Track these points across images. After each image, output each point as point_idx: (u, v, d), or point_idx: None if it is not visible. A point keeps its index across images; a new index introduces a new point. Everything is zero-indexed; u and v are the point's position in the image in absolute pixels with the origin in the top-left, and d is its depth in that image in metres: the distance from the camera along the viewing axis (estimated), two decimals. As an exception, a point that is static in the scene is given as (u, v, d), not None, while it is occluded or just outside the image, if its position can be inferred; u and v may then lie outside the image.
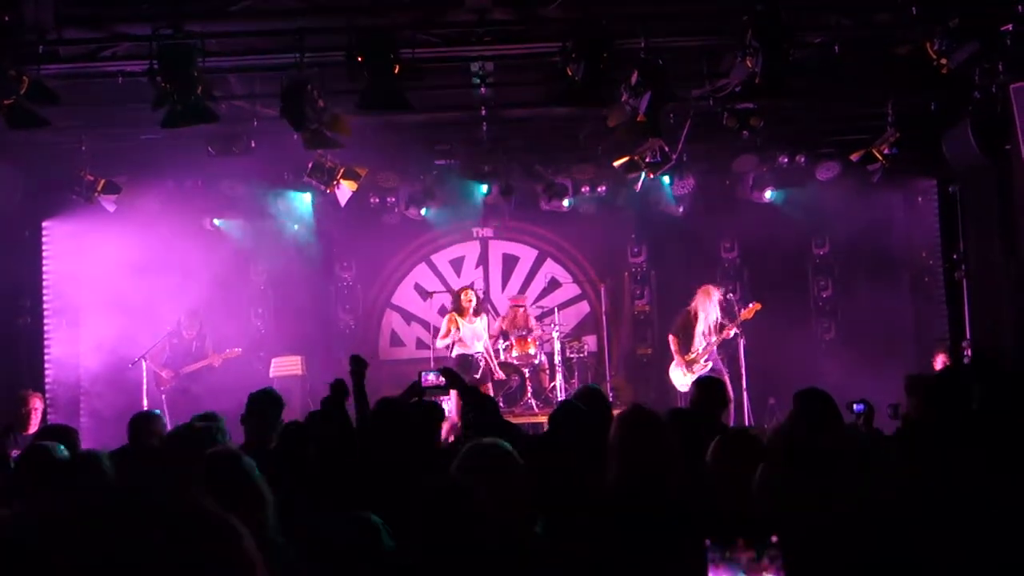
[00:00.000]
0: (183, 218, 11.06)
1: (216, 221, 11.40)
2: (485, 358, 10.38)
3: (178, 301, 11.28)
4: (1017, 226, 8.33)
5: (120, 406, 9.92)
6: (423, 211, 11.43)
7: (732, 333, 9.97)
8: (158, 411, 6.95)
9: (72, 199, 9.53)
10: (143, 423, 5.40)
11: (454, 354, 10.30)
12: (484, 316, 10.72)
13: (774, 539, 1.69)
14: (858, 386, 8.38)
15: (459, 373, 5.66)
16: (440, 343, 10.53)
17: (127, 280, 10.48)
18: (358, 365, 5.02)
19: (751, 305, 10.04)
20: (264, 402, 5.25)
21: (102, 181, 9.53)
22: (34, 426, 6.67)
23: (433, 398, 5.09)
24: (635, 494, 3.17)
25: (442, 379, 5.00)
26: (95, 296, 10.57)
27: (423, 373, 5.05)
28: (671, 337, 10.42)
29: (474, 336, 10.32)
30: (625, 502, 3.18)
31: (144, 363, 9.90)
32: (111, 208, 9.73)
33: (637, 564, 2.92)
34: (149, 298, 10.76)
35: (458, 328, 10.25)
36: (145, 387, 9.79)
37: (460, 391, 4.90)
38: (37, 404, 6.82)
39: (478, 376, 10.00)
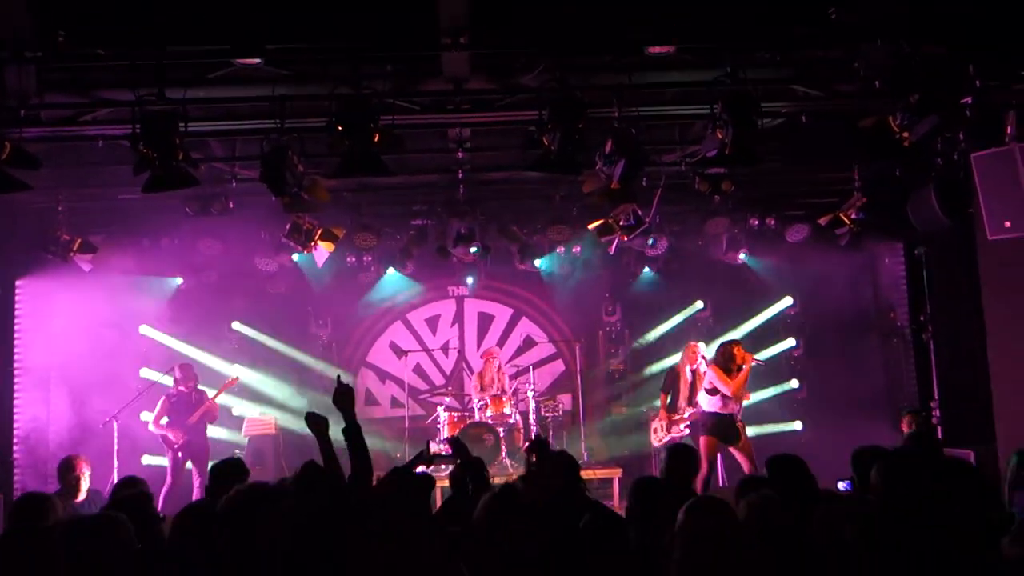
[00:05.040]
0: (159, 277, 11.09)
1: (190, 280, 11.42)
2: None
3: (152, 360, 11.25)
4: (980, 288, 8.53)
5: (92, 467, 9.79)
6: (399, 270, 11.50)
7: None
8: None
9: (47, 258, 9.50)
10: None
11: (709, 410, 9.20)
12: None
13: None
14: (831, 446, 8.48)
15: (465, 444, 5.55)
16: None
17: (100, 339, 10.43)
18: (316, 423, 4.87)
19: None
20: (229, 472, 5.19)
21: (78, 240, 9.53)
22: (83, 493, 6.43)
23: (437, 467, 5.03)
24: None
25: (447, 448, 4.99)
26: (67, 355, 10.48)
27: (430, 442, 5.07)
28: (661, 394, 10.53)
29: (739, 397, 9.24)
30: None
31: (116, 423, 9.77)
32: (87, 268, 9.71)
33: None
34: (122, 357, 10.71)
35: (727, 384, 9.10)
36: (116, 448, 9.65)
37: (463, 461, 4.87)
38: (85, 469, 6.55)
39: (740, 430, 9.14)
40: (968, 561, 3.14)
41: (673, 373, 10.39)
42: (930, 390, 10.55)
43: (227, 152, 8.53)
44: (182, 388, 10.11)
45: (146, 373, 11.15)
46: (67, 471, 6.47)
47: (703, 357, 9.89)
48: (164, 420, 9.92)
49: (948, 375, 10.26)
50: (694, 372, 9.95)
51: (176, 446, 9.86)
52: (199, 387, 10.28)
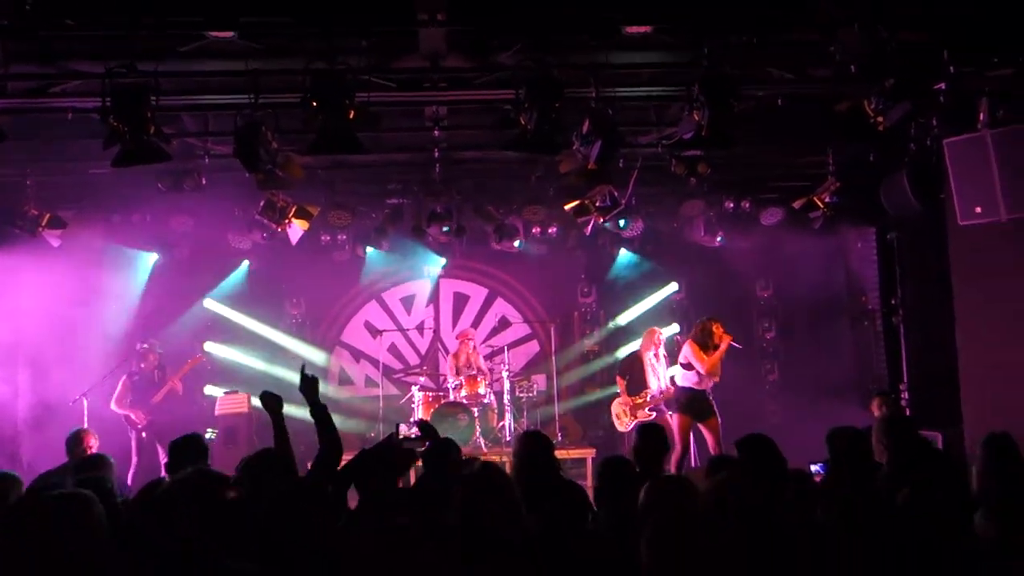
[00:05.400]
0: (129, 252, 10.95)
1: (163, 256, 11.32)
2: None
3: (123, 337, 11.12)
4: (950, 272, 8.63)
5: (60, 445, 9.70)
6: (374, 249, 11.44)
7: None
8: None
9: (15, 233, 9.35)
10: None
11: (683, 385, 9.32)
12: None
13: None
14: (801, 428, 8.57)
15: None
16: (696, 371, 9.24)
17: (70, 316, 10.30)
18: (270, 402, 4.88)
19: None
20: (188, 449, 5.19)
21: (47, 215, 9.39)
22: None
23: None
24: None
25: (416, 431, 4.99)
26: (36, 332, 10.34)
27: (399, 424, 5.05)
28: (618, 378, 10.54)
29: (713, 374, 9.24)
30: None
31: (85, 401, 9.67)
32: (56, 243, 9.57)
33: None
34: (93, 334, 10.59)
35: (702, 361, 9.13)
36: (86, 425, 9.54)
37: (433, 443, 4.87)
38: (93, 443, 6.58)
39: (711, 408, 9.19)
40: (949, 547, 3.18)
41: (632, 357, 10.44)
42: (899, 373, 10.68)
43: (199, 127, 8.39)
44: (143, 366, 10.01)
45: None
46: (76, 444, 6.52)
47: (679, 339, 9.93)
48: (127, 400, 9.83)
49: (917, 358, 10.39)
50: (654, 357, 10.01)
51: (139, 427, 9.77)
52: (162, 366, 10.18)
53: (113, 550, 3.27)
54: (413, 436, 4.97)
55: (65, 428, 9.64)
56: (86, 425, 9.50)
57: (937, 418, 8.85)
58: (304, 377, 4.69)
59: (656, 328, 10.31)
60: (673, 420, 9.20)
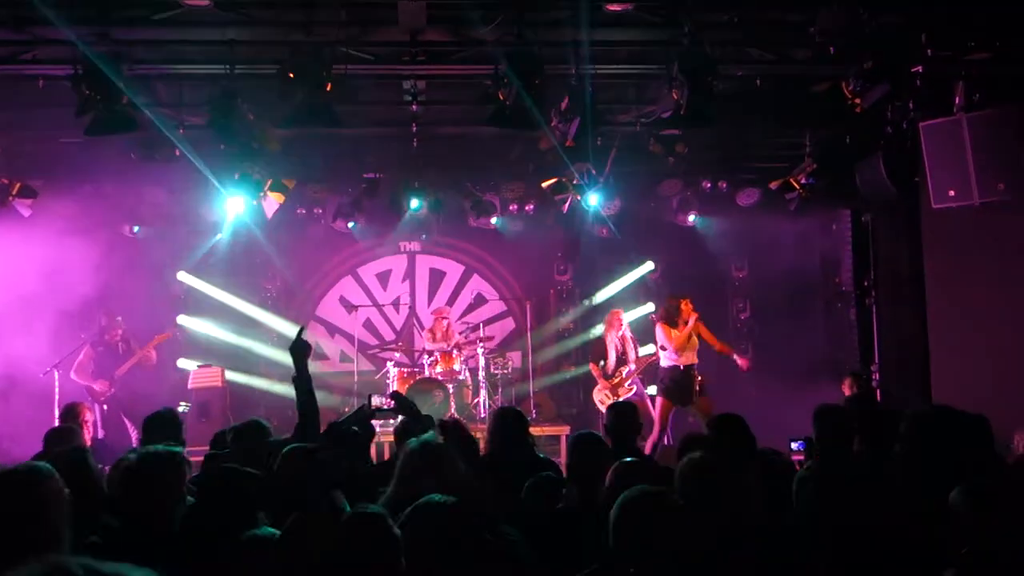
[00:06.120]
0: (101, 224, 10.79)
1: (136, 228, 11.16)
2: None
3: (94, 309, 10.99)
4: (922, 255, 8.73)
5: (30, 418, 9.59)
6: (350, 224, 11.38)
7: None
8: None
9: (-16, 202, 9.21)
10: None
11: (665, 365, 9.45)
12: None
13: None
14: (775, 407, 8.67)
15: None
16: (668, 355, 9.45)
17: (40, 287, 10.15)
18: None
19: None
20: (162, 424, 5.15)
21: (17, 184, 9.25)
22: (87, 441, 6.33)
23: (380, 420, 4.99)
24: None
25: (390, 402, 4.94)
26: (5, 303, 10.20)
27: (372, 396, 4.99)
28: (591, 365, 10.55)
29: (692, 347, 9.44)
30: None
31: (56, 373, 9.57)
32: (26, 213, 9.43)
33: None
34: (63, 305, 10.44)
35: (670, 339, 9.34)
36: (57, 397, 9.46)
37: (409, 417, 4.84)
38: (88, 417, 6.51)
39: (698, 390, 9.34)
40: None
41: (600, 342, 10.47)
42: (871, 354, 10.80)
43: (174, 97, 8.28)
44: (107, 337, 9.91)
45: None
46: (71, 418, 6.43)
47: (653, 317, 9.98)
48: (89, 370, 9.74)
49: (889, 339, 10.51)
50: (620, 339, 10.04)
51: (103, 398, 9.68)
52: (126, 338, 10.09)
53: (86, 523, 3.24)
54: (386, 408, 4.93)
55: (31, 400, 9.64)
56: (57, 397, 9.44)
57: (907, 398, 8.96)
58: (299, 339, 4.64)
59: (618, 310, 10.34)
60: (656, 402, 9.29)
